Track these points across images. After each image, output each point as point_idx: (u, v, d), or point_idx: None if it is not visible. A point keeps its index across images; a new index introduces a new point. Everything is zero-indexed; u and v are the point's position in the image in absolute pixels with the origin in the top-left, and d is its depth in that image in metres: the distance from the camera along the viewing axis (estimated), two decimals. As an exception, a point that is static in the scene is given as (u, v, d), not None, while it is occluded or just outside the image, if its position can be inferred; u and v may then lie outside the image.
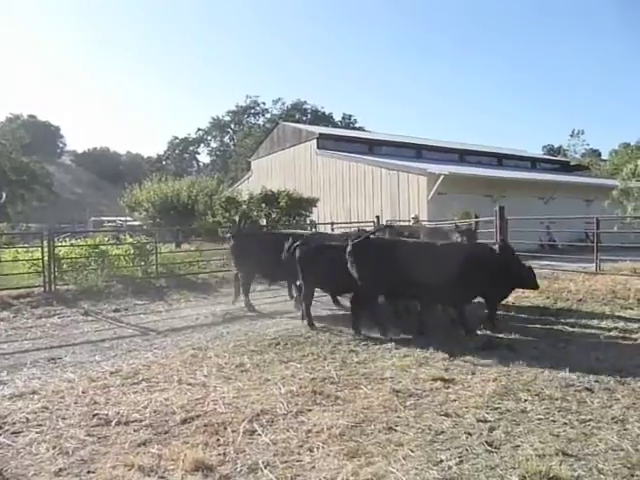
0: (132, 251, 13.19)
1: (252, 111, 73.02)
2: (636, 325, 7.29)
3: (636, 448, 3.58)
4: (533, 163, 35.34)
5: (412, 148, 29.55)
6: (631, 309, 8.29)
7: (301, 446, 3.83)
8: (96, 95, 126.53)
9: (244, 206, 18.55)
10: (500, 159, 32.82)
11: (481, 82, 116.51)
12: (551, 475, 3.22)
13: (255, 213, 18.20)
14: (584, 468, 3.35)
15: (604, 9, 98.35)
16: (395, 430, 4.04)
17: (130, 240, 14.46)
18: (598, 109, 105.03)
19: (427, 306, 7.42)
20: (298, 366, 5.86)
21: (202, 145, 76.28)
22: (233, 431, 4.12)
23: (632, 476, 3.22)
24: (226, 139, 74.40)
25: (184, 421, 4.34)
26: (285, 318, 8.87)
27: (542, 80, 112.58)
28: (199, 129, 74.74)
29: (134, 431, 4.16)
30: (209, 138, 75.56)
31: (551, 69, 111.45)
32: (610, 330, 7.07)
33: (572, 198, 23.09)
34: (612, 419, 4.11)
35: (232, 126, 73.59)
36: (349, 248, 7.27)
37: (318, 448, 3.78)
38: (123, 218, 33.57)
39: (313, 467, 3.51)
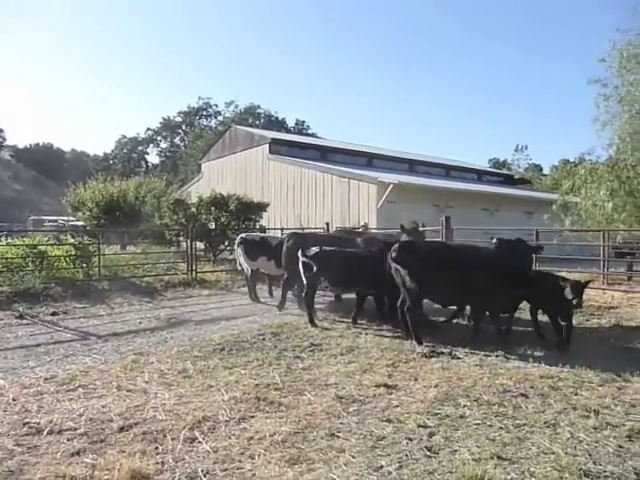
0: (73, 252, 12.71)
1: (204, 113, 72.03)
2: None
3: (566, 451, 3.72)
4: (479, 175, 36.43)
5: (364, 156, 29.87)
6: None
7: (242, 453, 3.79)
8: (40, 90, 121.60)
9: (193, 209, 18.22)
10: (448, 170, 33.64)
11: (430, 96, 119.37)
12: (486, 478, 3.31)
13: (204, 216, 17.90)
14: (517, 471, 3.46)
15: (545, 29, 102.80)
16: (337, 436, 4.04)
17: (71, 241, 13.94)
18: (541, 125, 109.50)
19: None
20: (242, 372, 5.79)
21: (151, 145, 74.64)
22: (173, 439, 4.03)
23: (561, 478, 3.35)
24: (177, 140, 73.08)
25: (121, 429, 4.20)
26: (232, 323, 8.76)
27: (490, 96, 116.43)
28: (149, 129, 73.16)
29: (67, 440, 3.99)
30: (159, 138, 74.00)
31: (498, 85, 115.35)
32: (545, 338, 7.33)
33: (514, 210, 23.93)
34: (545, 423, 4.26)
35: (183, 127, 72.35)
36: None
37: (259, 455, 3.74)
38: (66, 218, 32.31)
39: (254, 474, 3.47)
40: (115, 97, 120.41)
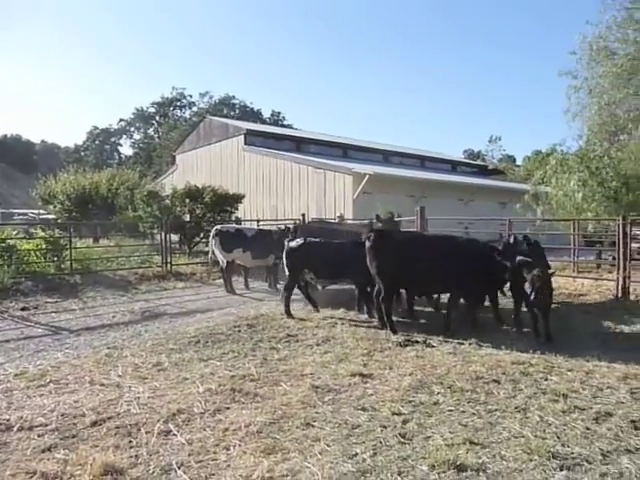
0: (44, 246, 12.46)
1: (178, 103, 70.94)
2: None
3: (535, 435, 3.81)
4: (454, 166, 36.80)
5: (339, 147, 29.87)
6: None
7: (217, 445, 3.78)
8: (6, 80, 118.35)
9: (167, 201, 18.01)
10: (423, 161, 33.89)
11: (404, 87, 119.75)
12: (458, 463, 3.37)
13: (178, 208, 17.71)
14: (488, 455, 3.53)
15: (518, 21, 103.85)
16: (313, 426, 4.07)
17: (42, 234, 13.66)
18: (515, 117, 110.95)
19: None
20: (218, 364, 5.78)
21: (124, 137, 73.35)
22: (147, 432, 4.01)
23: (530, 461, 3.43)
24: (150, 131, 71.87)
25: (94, 424, 4.16)
26: (207, 315, 8.72)
27: (464, 87, 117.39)
28: (121, 120, 71.83)
29: (38, 436, 3.93)
30: (132, 129, 72.74)
31: (472, 77, 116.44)
32: (518, 325, 7.46)
33: (489, 201, 24.25)
34: (515, 408, 4.35)
35: (157, 118, 71.18)
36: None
37: (235, 446, 3.74)
38: (36, 211, 31.65)
39: (229, 465, 3.48)
40: (86, 87, 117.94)
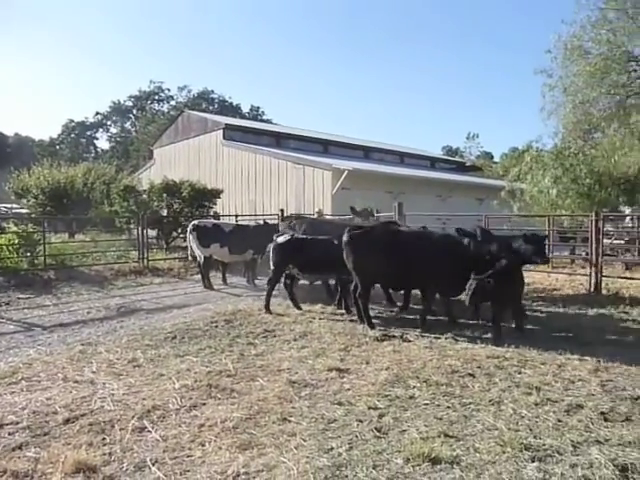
0: (17, 241, 12.21)
1: (156, 97, 70.05)
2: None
3: (509, 427, 3.87)
4: (432, 163, 37.08)
5: (318, 143, 29.86)
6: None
7: (193, 441, 3.76)
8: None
9: (144, 195, 17.80)
10: (402, 157, 34.09)
11: (384, 83, 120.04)
12: (433, 456, 3.40)
13: (156, 203, 17.52)
14: (462, 448, 3.57)
15: (496, 18, 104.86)
16: (289, 420, 4.07)
17: (15, 229, 13.38)
18: (493, 114, 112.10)
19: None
20: (194, 360, 5.74)
21: (101, 130, 72.16)
22: (121, 429, 3.96)
23: (503, 453, 3.48)
24: (127, 125, 70.89)
25: (67, 421, 4.10)
26: (184, 311, 8.64)
27: (443, 84, 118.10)
28: (98, 113, 70.64)
29: (9, 434, 3.86)
30: (109, 123, 71.63)
31: (451, 74, 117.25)
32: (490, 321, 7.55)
33: (466, 197, 24.51)
34: (490, 401, 4.41)
35: (134, 112, 70.22)
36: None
37: (210, 442, 3.72)
38: (9, 205, 30.98)
39: (204, 461, 3.46)
40: (61, 80, 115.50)
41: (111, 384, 4.96)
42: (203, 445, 3.69)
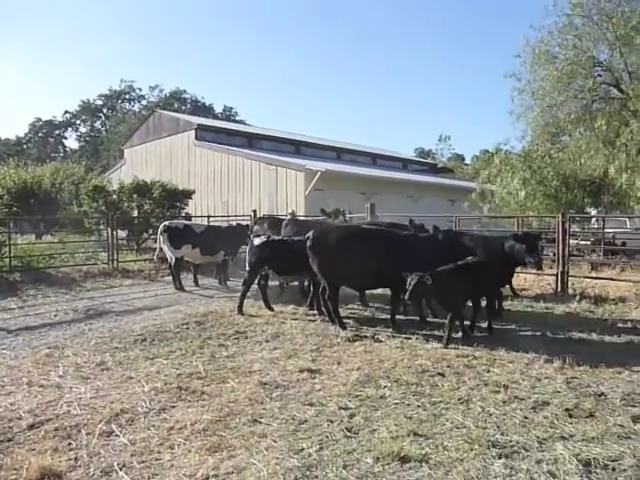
0: (-19, 242, 11.88)
1: (127, 96, 68.92)
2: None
3: (477, 425, 3.93)
4: (405, 164, 37.40)
5: (291, 144, 29.84)
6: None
7: (161, 444, 3.72)
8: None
9: (114, 196, 17.51)
10: (374, 159, 34.29)
11: (357, 85, 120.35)
12: (402, 454, 3.44)
13: (126, 204, 17.26)
14: (431, 446, 3.61)
15: (468, 21, 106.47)
16: (260, 422, 4.05)
17: (-22, 230, 13.01)
18: (465, 116, 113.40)
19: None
20: (164, 362, 5.68)
21: (70, 129, 70.64)
22: (88, 434, 3.89)
23: (471, 450, 3.53)
24: (97, 124, 69.55)
25: (31, 426, 4.01)
26: (155, 313, 8.53)
27: (415, 86, 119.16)
28: (67, 112, 69.15)
29: (-30, 440, 3.75)
30: (78, 122, 70.14)
31: (423, 76, 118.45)
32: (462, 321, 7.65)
33: (438, 198, 24.79)
34: (459, 400, 4.48)
35: (104, 111, 68.97)
36: None
37: (179, 445, 3.69)
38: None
39: (172, 465, 3.42)
40: (28, 78, 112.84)
41: (78, 388, 4.87)
42: (172, 448, 3.65)
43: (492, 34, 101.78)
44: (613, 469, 3.32)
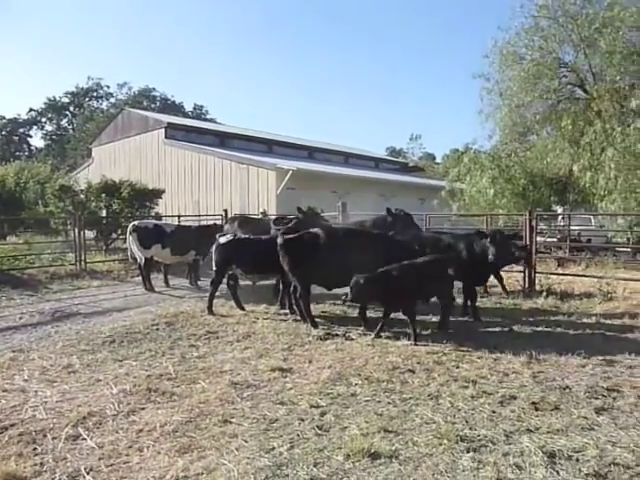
0: (-59, 244, 11.51)
1: (94, 94, 67.55)
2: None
3: (446, 420, 3.99)
4: (376, 163, 37.64)
5: (263, 143, 29.73)
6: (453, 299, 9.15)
7: (130, 447, 3.67)
8: None
9: (81, 195, 17.18)
10: (346, 158, 34.42)
11: (329, 84, 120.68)
12: (372, 451, 3.47)
13: (94, 204, 16.95)
14: (401, 442, 3.65)
15: (439, 21, 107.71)
16: (230, 422, 4.03)
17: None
18: (435, 116, 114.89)
19: None
20: (134, 364, 5.60)
21: (35, 127, 68.89)
22: (54, 438, 3.82)
23: (440, 445, 3.58)
24: (64, 122, 68.01)
25: (-6, 432, 3.90)
26: (124, 314, 8.40)
27: (387, 86, 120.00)
28: (31, 110, 67.41)
29: None
30: (44, 120, 68.43)
31: (395, 76, 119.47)
32: (433, 315, 7.73)
33: (409, 197, 25.02)
34: (428, 396, 4.53)
35: (71, 109, 67.49)
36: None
37: (148, 447, 3.65)
38: None
39: (141, 467, 3.38)
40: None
41: (44, 392, 4.76)
42: (141, 451, 3.60)
43: (462, 34, 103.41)
44: (577, 460, 3.40)
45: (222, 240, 8.35)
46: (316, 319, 7.40)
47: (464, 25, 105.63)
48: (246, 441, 3.70)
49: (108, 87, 67.19)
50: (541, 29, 17.64)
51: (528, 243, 9.99)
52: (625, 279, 10.04)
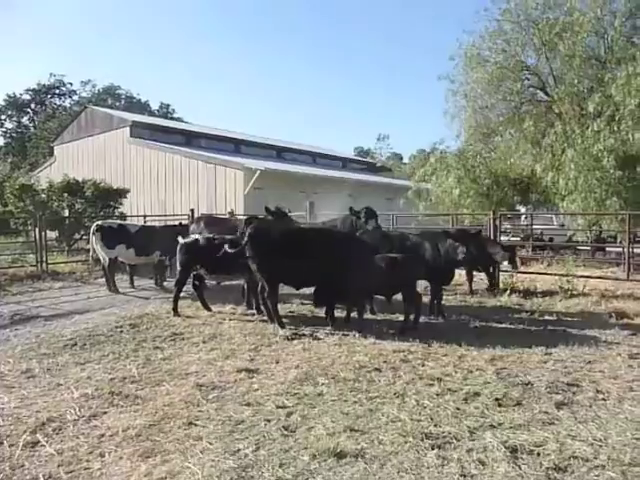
0: None
1: (57, 91, 65.83)
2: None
3: (411, 418, 4.02)
4: (344, 163, 37.75)
5: (231, 142, 29.46)
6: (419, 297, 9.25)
7: (91, 452, 3.58)
8: None
9: (43, 195, 16.72)
10: (314, 158, 34.41)
11: (298, 85, 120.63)
12: (338, 450, 3.47)
13: (56, 203, 16.52)
14: (367, 441, 3.67)
15: (406, 22, 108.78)
16: (195, 425, 3.98)
17: None
18: (402, 116, 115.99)
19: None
20: (96, 367, 5.47)
21: (-6, 125, 66.74)
22: (11, 445, 3.70)
23: (405, 443, 3.61)
24: (25, 120, 66.08)
25: (-53, 440, 3.75)
26: (87, 316, 8.20)
27: (355, 86, 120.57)
28: (-10, 106, 65.30)
29: None
30: (3, 117, 66.36)
31: (362, 77, 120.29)
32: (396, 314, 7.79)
33: (377, 196, 25.14)
34: (394, 394, 4.56)
35: (32, 106, 65.64)
36: None
37: (110, 452, 3.57)
38: None
39: (102, 473, 3.31)
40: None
41: (1, 398, 4.61)
42: (102, 456, 3.52)
43: (428, 36, 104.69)
44: (538, 454, 3.48)
45: (185, 240, 8.25)
46: (283, 319, 7.37)
47: (432, 26, 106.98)
48: (211, 443, 3.66)
49: (71, 84, 65.52)
50: (504, 33, 17.97)
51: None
52: (585, 276, 10.33)
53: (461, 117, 18.82)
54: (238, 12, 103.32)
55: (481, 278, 10.86)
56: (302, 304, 8.74)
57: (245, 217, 11.44)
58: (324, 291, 6.32)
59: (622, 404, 4.35)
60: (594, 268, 12.57)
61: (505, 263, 9.94)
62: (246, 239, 7.27)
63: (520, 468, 3.30)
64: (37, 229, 13.21)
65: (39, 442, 3.74)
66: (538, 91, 18.56)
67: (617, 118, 13.53)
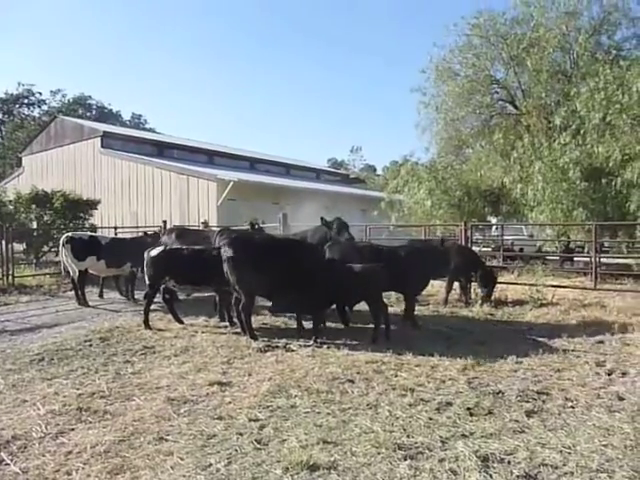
0: None
1: (25, 101, 64.64)
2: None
3: (384, 429, 4.02)
4: (318, 174, 37.92)
5: (204, 153, 29.34)
6: (391, 306, 9.28)
7: (57, 470, 3.48)
8: None
9: (10, 206, 16.35)
10: (288, 169, 34.49)
11: (272, 96, 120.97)
12: (311, 463, 3.45)
13: (23, 215, 16.16)
14: (340, 452, 3.65)
15: (378, 34, 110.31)
16: (166, 439, 3.91)
17: None
18: (375, 128, 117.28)
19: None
20: (64, 382, 5.34)
21: (-41, 135, 65.12)
22: (-27, 464, 3.57)
23: (378, 454, 3.61)
24: (-9, 130, 64.73)
25: None
26: (55, 330, 8.00)
27: (328, 99, 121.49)
28: (-45, 116, 63.72)
29: None
30: (-31, 127, 64.93)
31: (336, 88, 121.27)
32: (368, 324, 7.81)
33: (350, 208, 25.26)
34: (367, 405, 4.56)
35: (0, 116, 64.34)
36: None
37: (77, 470, 3.47)
38: None
39: (69, 492, 3.21)
40: None
41: (-37, 416, 4.46)
42: (69, 474, 3.43)
43: (400, 49, 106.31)
44: (509, 462, 3.51)
45: (153, 252, 8.14)
46: (256, 331, 7.32)
47: (405, 38, 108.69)
48: (182, 458, 3.60)
49: (40, 94, 64.35)
50: (474, 47, 18.40)
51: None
52: (554, 286, 10.54)
53: (432, 129, 19.16)
54: (212, 23, 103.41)
55: (454, 288, 10.97)
56: (276, 316, 8.69)
57: (218, 228, 11.40)
58: (282, 299, 6.40)
59: (590, 411, 4.43)
60: (563, 278, 12.83)
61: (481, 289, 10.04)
62: (226, 251, 7.22)
63: (491, 477, 3.33)
64: (4, 241, 12.89)
65: (3, 461, 3.62)
66: (507, 104, 19.01)
67: (582, 132, 13.94)
